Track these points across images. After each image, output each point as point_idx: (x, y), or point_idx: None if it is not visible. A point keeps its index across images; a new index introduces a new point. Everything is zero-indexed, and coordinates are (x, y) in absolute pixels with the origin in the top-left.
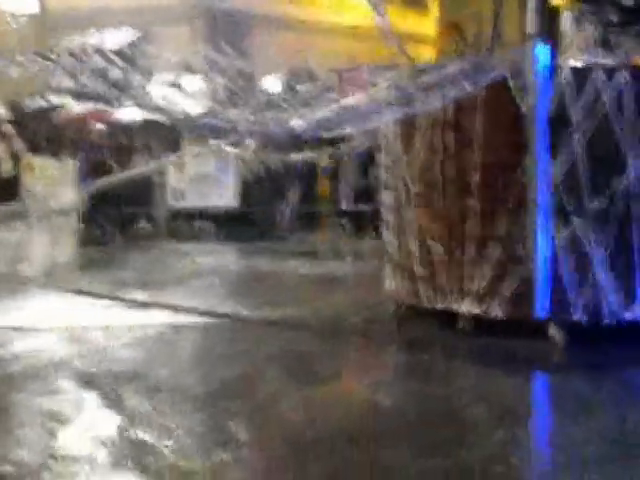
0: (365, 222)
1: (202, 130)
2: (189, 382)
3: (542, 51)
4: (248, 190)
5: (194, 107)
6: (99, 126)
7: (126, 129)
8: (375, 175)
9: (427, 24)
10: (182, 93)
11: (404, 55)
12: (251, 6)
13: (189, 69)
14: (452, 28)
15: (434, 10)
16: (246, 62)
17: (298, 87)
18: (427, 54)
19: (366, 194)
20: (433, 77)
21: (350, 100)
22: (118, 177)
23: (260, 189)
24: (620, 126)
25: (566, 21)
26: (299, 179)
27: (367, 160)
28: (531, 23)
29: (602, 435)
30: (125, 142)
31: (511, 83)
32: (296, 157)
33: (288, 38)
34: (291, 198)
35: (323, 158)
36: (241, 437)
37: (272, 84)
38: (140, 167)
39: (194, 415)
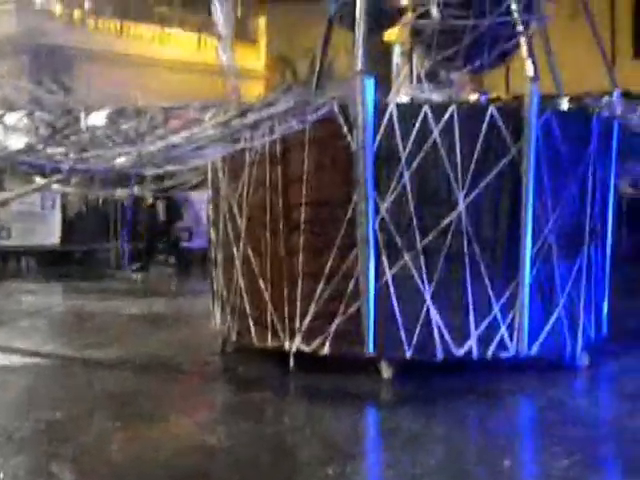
0: (194, 259)
1: (23, 167)
2: (12, 425)
3: (369, 87)
4: (73, 228)
5: (16, 144)
6: None
7: None
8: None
9: (256, 58)
10: (4, 129)
11: (236, 91)
12: (75, 41)
13: (11, 105)
14: (281, 63)
15: (263, 44)
16: (70, 97)
17: (123, 123)
18: (256, 89)
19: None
20: (261, 114)
21: (176, 137)
22: None
23: (85, 227)
24: (449, 162)
25: (397, 56)
26: (127, 216)
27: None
28: (359, 58)
29: (432, 469)
30: None
31: (339, 119)
32: (122, 194)
33: (113, 73)
34: (118, 235)
35: (147, 195)
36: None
37: (96, 120)
38: None
39: (18, 458)
